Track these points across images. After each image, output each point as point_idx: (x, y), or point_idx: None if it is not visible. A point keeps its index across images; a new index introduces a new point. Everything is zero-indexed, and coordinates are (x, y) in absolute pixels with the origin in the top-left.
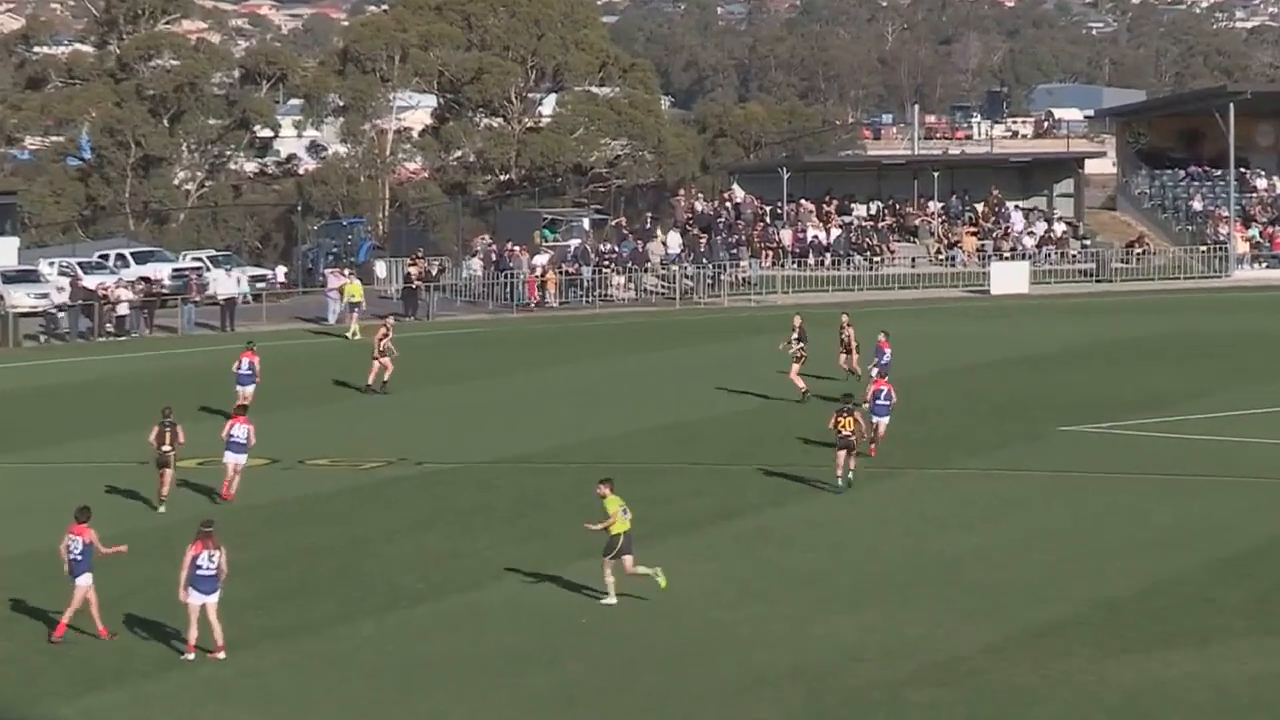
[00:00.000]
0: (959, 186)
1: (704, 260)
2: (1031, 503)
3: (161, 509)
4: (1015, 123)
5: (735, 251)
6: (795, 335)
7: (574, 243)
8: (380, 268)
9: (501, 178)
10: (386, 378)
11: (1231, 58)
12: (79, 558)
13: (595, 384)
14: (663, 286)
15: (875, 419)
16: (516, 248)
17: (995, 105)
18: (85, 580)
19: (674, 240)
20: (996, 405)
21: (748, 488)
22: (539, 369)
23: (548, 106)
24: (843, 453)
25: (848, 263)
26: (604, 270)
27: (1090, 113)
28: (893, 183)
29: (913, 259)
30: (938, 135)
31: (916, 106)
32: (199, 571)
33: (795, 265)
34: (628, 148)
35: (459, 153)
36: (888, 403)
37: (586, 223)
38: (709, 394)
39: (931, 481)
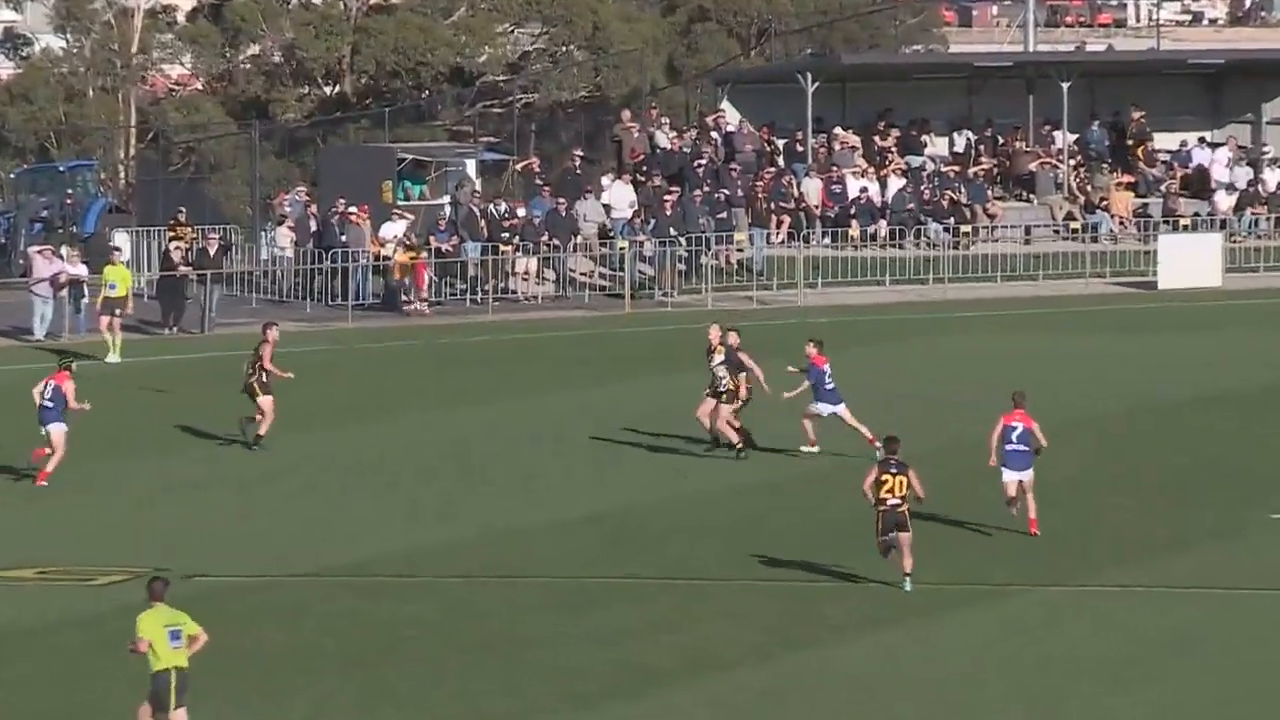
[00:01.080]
0: (1104, 107)
1: (671, 231)
2: (1225, 638)
3: None
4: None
5: (725, 216)
6: (719, 359)
7: (448, 202)
8: (121, 243)
9: (328, 90)
10: (263, 426)
11: None
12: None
13: (484, 444)
14: (602, 275)
15: (1012, 476)
16: (353, 210)
17: None
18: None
19: (620, 196)
20: (1168, 477)
21: (738, 616)
22: (388, 419)
23: None
24: (895, 534)
25: (917, 236)
26: (502, 249)
27: None
28: (993, 100)
29: (1027, 229)
30: (1069, 20)
31: None
32: None
33: (828, 240)
34: (543, 39)
35: (254, 49)
36: (1026, 447)
37: (473, 167)
38: (673, 461)
39: (1060, 604)
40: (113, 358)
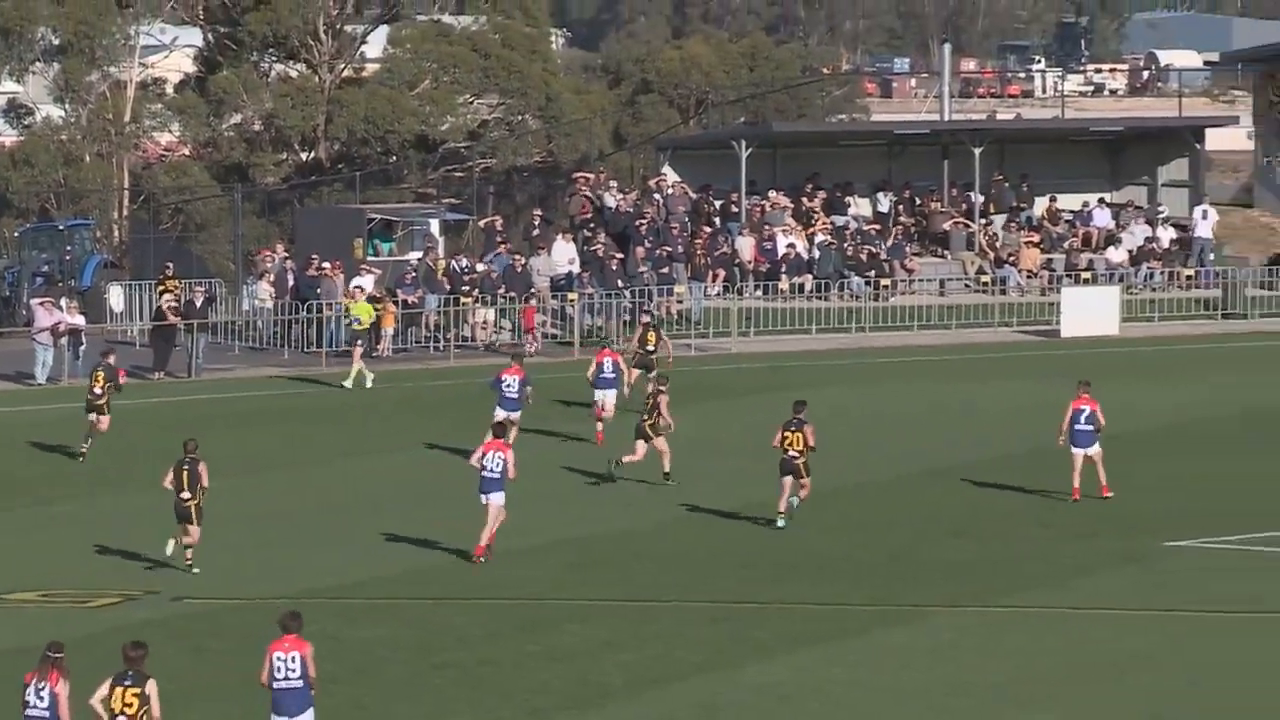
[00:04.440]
0: (1013, 171)
1: (618, 284)
2: (1132, 656)
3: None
4: (1100, 72)
5: (667, 270)
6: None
7: (416, 257)
8: (115, 296)
9: (304, 156)
10: (666, 462)
11: None
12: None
13: (455, 478)
14: (554, 325)
15: (1079, 451)
16: (327, 265)
17: (1069, 45)
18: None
19: (564, 252)
20: (1073, 511)
21: (678, 637)
22: (369, 456)
23: (375, 46)
24: (786, 478)
25: (841, 289)
26: (462, 300)
27: (1214, 57)
28: (911, 164)
29: (941, 282)
30: (981, 91)
31: (948, 46)
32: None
33: (760, 293)
34: (500, 110)
35: (237, 118)
36: (1092, 427)
37: (436, 226)
38: (619, 494)
39: (976, 627)
40: (346, 383)
